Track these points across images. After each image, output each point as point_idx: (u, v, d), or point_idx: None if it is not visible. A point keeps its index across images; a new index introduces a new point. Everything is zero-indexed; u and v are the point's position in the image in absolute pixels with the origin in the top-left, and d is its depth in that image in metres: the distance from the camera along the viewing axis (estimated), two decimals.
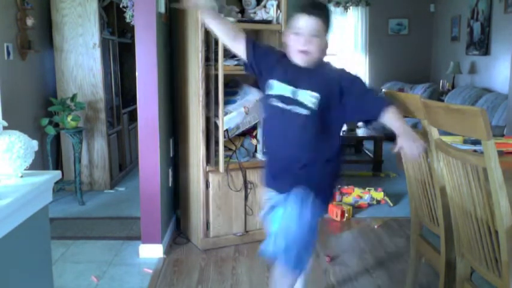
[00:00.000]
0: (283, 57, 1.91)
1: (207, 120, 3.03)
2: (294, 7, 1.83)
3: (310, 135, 1.84)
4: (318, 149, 1.86)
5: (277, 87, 1.87)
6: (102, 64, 4.44)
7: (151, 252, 3.05)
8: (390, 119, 1.78)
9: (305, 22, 1.77)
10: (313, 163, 1.87)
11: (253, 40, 2.01)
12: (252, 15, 3.23)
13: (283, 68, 1.89)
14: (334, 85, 1.81)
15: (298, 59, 1.82)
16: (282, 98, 1.85)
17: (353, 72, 1.91)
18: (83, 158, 4.47)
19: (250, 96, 3.13)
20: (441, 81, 7.09)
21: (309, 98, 1.81)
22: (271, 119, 1.95)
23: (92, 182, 4.60)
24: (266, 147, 2.11)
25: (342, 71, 1.90)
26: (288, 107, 1.84)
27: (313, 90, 1.80)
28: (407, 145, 1.71)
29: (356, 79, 1.88)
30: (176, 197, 3.61)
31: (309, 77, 1.83)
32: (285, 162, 1.91)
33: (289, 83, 1.85)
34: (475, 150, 1.99)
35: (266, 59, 1.96)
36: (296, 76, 1.85)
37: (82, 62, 4.41)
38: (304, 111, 1.81)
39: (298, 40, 1.79)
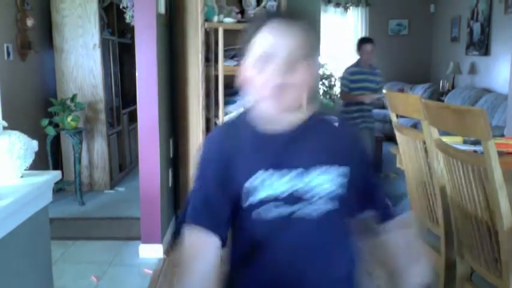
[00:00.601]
0: (243, 136, 1.07)
1: (207, 120, 3.04)
2: (253, 21, 1.07)
3: (344, 247, 1.09)
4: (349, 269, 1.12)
5: (267, 183, 1.00)
6: (102, 65, 4.44)
7: (152, 252, 3.05)
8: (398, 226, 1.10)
9: (278, 38, 0.98)
10: None
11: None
12: (252, 15, 3.23)
13: (257, 148, 1.04)
14: (354, 152, 1.08)
15: (272, 103, 1.01)
16: (283, 199, 1.01)
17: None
18: (83, 159, 4.47)
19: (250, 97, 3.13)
20: (441, 82, 7.09)
21: (332, 176, 1.02)
22: (265, 248, 1.03)
23: (92, 183, 4.60)
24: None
25: (354, 134, 1.17)
26: (297, 209, 1.01)
27: (334, 161, 1.03)
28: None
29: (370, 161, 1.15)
30: (176, 198, 3.61)
31: (316, 142, 1.05)
32: None
33: (287, 164, 1.02)
34: (475, 151, 1.99)
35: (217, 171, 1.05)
36: (290, 149, 1.03)
37: (82, 62, 4.41)
38: (327, 206, 1.02)
39: (269, 70, 0.98)
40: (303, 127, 1.05)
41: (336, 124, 1.12)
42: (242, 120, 1.11)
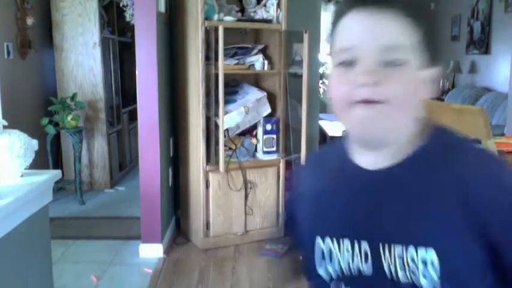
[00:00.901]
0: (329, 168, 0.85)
1: (207, 119, 3.03)
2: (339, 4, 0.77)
3: None
4: None
5: (331, 259, 0.80)
6: (102, 63, 4.44)
7: (152, 252, 3.05)
8: None
9: (364, 27, 0.70)
10: None
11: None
12: (252, 14, 3.22)
13: (330, 196, 0.83)
14: (469, 223, 0.69)
15: (349, 124, 0.74)
16: (350, 282, 0.78)
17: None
18: (83, 158, 4.47)
19: (251, 96, 3.13)
20: (441, 81, 7.09)
21: (413, 268, 0.71)
22: None
23: (92, 182, 4.60)
24: None
25: (493, 184, 0.71)
26: None
27: (420, 243, 0.70)
28: None
29: None
30: (176, 197, 3.61)
31: (404, 205, 0.74)
32: None
33: (359, 233, 0.77)
34: None
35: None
36: (368, 210, 0.76)
37: (82, 61, 4.40)
38: None
39: (351, 76, 0.70)
40: (408, 164, 0.74)
41: (460, 169, 0.72)
42: (338, 147, 0.83)
